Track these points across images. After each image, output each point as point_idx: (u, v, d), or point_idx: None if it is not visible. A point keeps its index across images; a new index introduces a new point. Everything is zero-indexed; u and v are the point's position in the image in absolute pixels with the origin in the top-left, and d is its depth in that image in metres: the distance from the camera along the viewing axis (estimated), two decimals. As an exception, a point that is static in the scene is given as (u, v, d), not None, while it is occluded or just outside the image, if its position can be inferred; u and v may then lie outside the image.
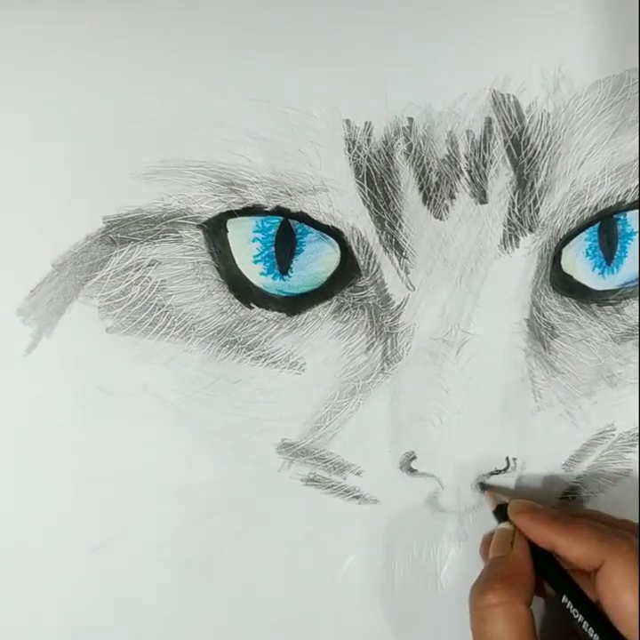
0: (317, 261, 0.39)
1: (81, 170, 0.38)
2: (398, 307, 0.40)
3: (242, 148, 0.38)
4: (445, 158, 0.38)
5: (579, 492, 0.44)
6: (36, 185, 0.38)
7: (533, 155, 0.38)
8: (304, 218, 0.38)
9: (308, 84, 0.37)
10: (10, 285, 0.39)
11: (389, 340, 0.40)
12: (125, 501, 0.41)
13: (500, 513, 0.41)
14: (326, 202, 0.38)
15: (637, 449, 0.44)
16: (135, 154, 0.38)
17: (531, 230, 0.39)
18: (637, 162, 0.39)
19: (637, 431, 0.43)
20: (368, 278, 0.40)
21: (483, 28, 0.38)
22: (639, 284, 0.42)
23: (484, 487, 0.42)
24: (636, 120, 0.39)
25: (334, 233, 0.39)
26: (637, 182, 0.40)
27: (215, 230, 0.38)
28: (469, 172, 0.38)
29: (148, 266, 0.39)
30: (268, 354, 0.40)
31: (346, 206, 0.38)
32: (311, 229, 0.39)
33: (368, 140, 0.38)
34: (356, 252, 0.39)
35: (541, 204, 0.39)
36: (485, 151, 0.38)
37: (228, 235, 0.39)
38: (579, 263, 0.41)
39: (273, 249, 0.39)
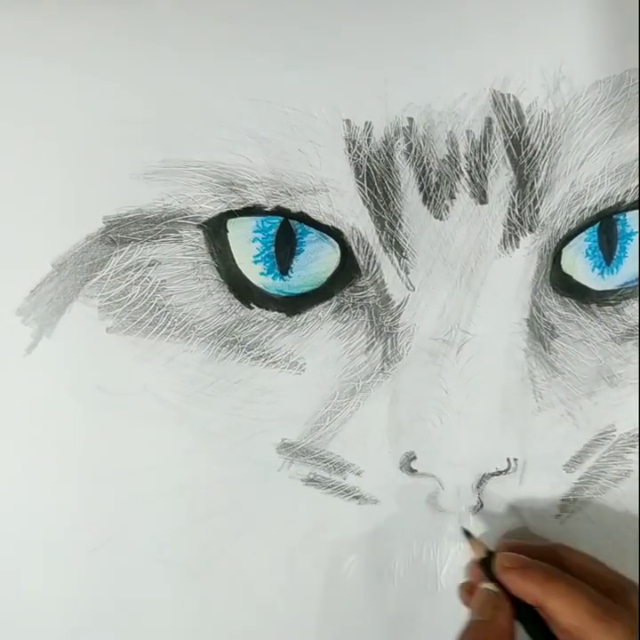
0: (317, 261, 0.39)
1: (81, 170, 0.38)
2: (398, 307, 0.40)
3: (242, 148, 0.38)
4: (445, 158, 0.38)
5: (580, 492, 0.43)
6: (36, 185, 0.38)
7: (533, 155, 0.38)
8: (304, 218, 0.38)
9: (308, 84, 0.37)
10: (10, 285, 0.39)
11: (389, 340, 0.40)
12: (125, 501, 0.41)
13: (485, 566, 0.40)
14: (326, 202, 0.38)
15: (638, 450, 0.44)
16: (135, 154, 0.38)
17: (531, 230, 0.39)
18: (637, 162, 0.39)
19: (638, 432, 0.43)
20: (368, 278, 0.40)
21: (483, 28, 0.38)
22: (639, 284, 0.42)
23: (467, 534, 0.41)
24: (636, 120, 0.39)
25: (334, 233, 0.39)
26: (637, 182, 0.40)
27: (215, 230, 0.39)
28: (469, 172, 0.38)
29: (148, 266, 0.39)
30: (268, 354, 0.40)
31: (346, 206, 0.38)
32: (311, 229, 0.39)
33: (368, 140, 0.38)
34: (356, 252, 0.39)
35: (541, 204, 0.39)
36: (485, 151, 0.38)
37: (228, 235, 0.39)
38: (578, 263, 0.41)
39: (273, 249, 0.39)
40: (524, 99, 0.38)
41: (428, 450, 0.41)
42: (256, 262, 0.39)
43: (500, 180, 0.39)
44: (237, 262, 0.39)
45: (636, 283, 0.41)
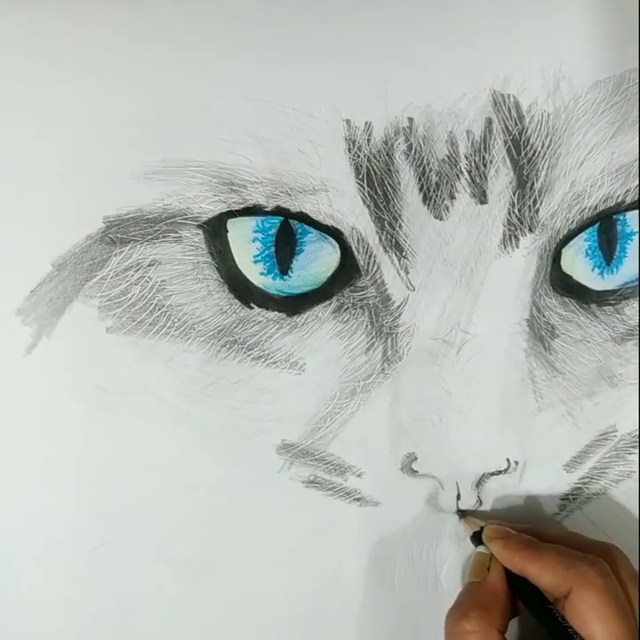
0: (317, 261, 0.39)
1: (81, 170, 0.38)
2: (398, 307, 0.40)
3: (242, 148, 0.38)
4: (445, 158, 0.38)
5: (580, 493, 0.43)
6: (37, 185, 0.38)
7: (533, 155, 0.38)
8: (304, 218, 0.38)
9: (308, 84, 0.37)
10: (10, 285, 0.39)
11: (389, 341, 0.40)
12: (125, 501, 0.41)
13: (476, 538, 0.41)
14: (326, 202, 0.38)
15: (638, 450, 0.44)
16: (135, 154, 0.38)
17: (530, 230, 0.39)
18: (637, 162, 0.39)
19: (638, 432, 0.43)
20: (368, 278, 0.40)
21: (483, 28, 0.38)
22: (639, 284, 0.41)
23: (461, 514, 0.42)
24: (636, 120, 0.39)
25: (334, 233, 0.39)
26: (637, 182, 0.40)
27: (215, 230, 0.39)
28: (469, 172, 0.38)
29: (148, 266, 0.39)
30: (268, 354, 0.40)
31: (346, 206, 0.38)
32: (311, 229, 0.39)
33: (368, 140, 0.38)
34: (356, 252, 0.39)
35: (541, 204, 0.39)
36: (485, 151, 0.38)
37: (228, 235, 0.39)
38: (578, 263, 0.41)
39: (273, 249, 0.39)
40: (524, 99, 0.38)
41: (428, 450, 0.41)
42: (256, 262, 0.39)
43: (500, 180, 0.39)
44: (237, 262, 0.39)
45: (636, 283, 0.41)
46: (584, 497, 0.44)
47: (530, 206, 0.39)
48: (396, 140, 0.38)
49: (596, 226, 0.40)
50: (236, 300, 0.39)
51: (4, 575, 0.41)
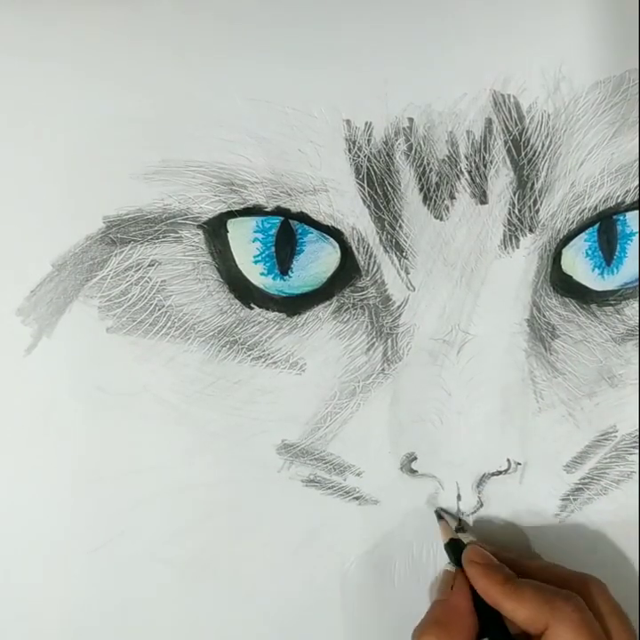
0: (317, 262, 0.39)
1: (81, 170, 0.38)
2: (398, 307, 0.40)
3: (242, 148, 0.38)
4: (446, 159, 0.38)
5: (581, 493, 0.43)
6: (36, 185, 0.38)
7: (533, 155, 0.38)
8: (304, 218, 0.38)
9: (308, 84, 0.37)
10: (10, 285, 0.39)
11: (390, 341, 0.40)
12: (125, 501, 0.41)
13: (451, 549, 0.41)
14: (326, 202, 0.38)
15: (639, 451, 0.44)
16: (135, 154, 0.38)
17: (531, 231, 0.39)
18: (637, 162, 0.39)
19: (638, 433, 0.43)
20: (368, 278, 0.40)
21: (483, 28, 0.38)
22: (639, 284, 0.41)
23: (439, 516, 0.42)
24: (636, 121, 0.39)
25: (334, 233, 0.39)
26: (637, 183, 0.40)
27: (215, 230, 0.39)
28: (470, 172, 0.38)
29: (149, 266, 0.39)
30: (269, 354, 0.40)
31: (346, 206, 0.38)
32: (311, 230, 0.39)
33: (368, 141, 0.38)
34: (356, 253, 0.39)
35: (541, 204, 0.39)
36: (486, 152, 0.38)
37: (229, 235, 0.39)
38: (578, 264, 0.41)
39: (273, 249, 0.39)
40: (524, 99, 0.38)
41: (428, 450, 0.41)
42: (256, 262, 0.39)
43: (501, 180, 0.39)
44: (237, 262, 0.39)
45: (636, 283, 0.41)
46: (584, 497, 0.44)
47: (530, 206, 0.39)
48: (397, 140, 0.38)
49: (596, 226, 0.40)
50: (236, 301, 0.39)
51: (4, 575, 0.41)
